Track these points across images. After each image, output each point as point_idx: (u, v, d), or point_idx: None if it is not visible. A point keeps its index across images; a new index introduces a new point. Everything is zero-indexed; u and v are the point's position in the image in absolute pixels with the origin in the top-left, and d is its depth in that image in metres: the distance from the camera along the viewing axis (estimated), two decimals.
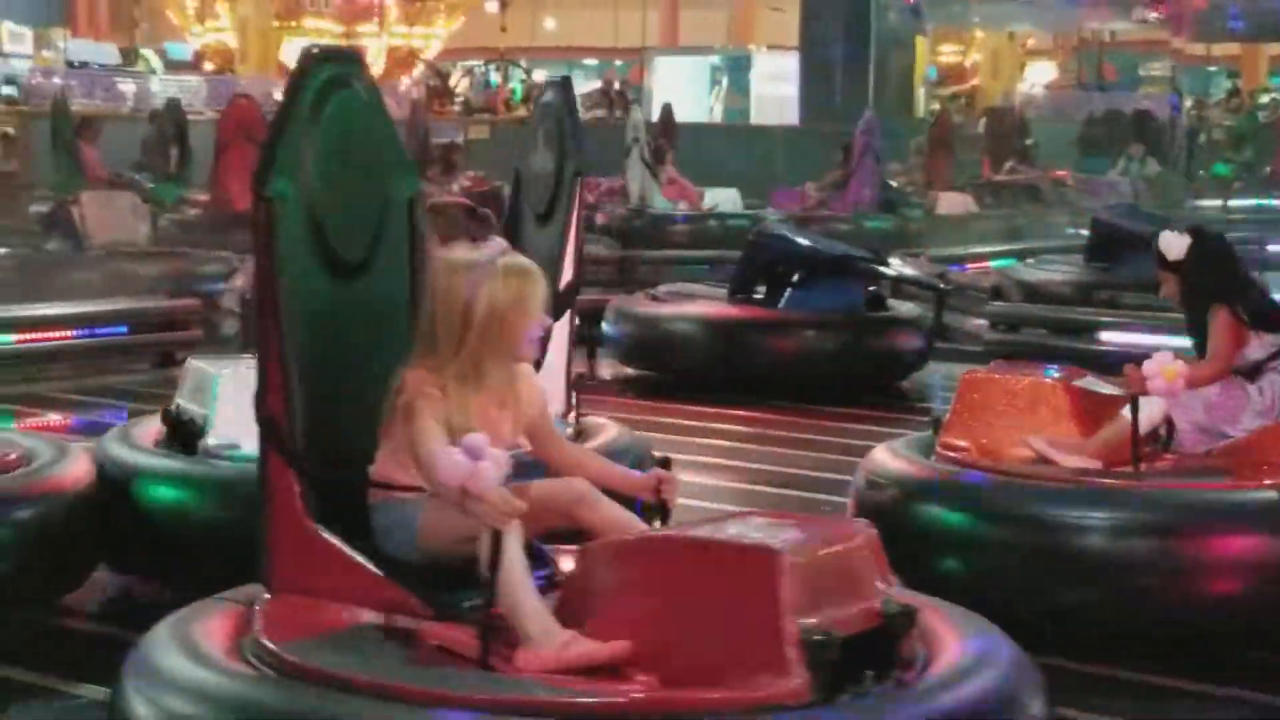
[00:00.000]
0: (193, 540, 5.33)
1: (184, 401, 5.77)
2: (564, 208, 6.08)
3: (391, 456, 3.72)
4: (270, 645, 3.45)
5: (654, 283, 11.79)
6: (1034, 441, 5.63)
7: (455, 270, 3.74)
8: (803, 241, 10.51)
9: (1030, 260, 14.14)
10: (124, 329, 10.81)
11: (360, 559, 3.66)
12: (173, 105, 19.45)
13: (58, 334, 10.55)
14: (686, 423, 9.05)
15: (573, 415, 6.00)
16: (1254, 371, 5.67)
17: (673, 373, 10.26)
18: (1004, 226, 18.12)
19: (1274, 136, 24.91)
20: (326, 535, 3.70)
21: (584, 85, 33.36)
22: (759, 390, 9.68)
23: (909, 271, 11.85)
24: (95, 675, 4.78)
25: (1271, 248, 15.53)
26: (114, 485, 5.46)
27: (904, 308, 10.44)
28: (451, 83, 30.79)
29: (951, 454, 5.55)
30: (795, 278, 10.07)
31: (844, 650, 3.24)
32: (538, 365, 5.61)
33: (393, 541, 3.69)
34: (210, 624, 3.63)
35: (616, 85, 29.63)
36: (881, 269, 10.46)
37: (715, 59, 32.50)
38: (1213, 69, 36.82)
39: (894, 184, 18.80)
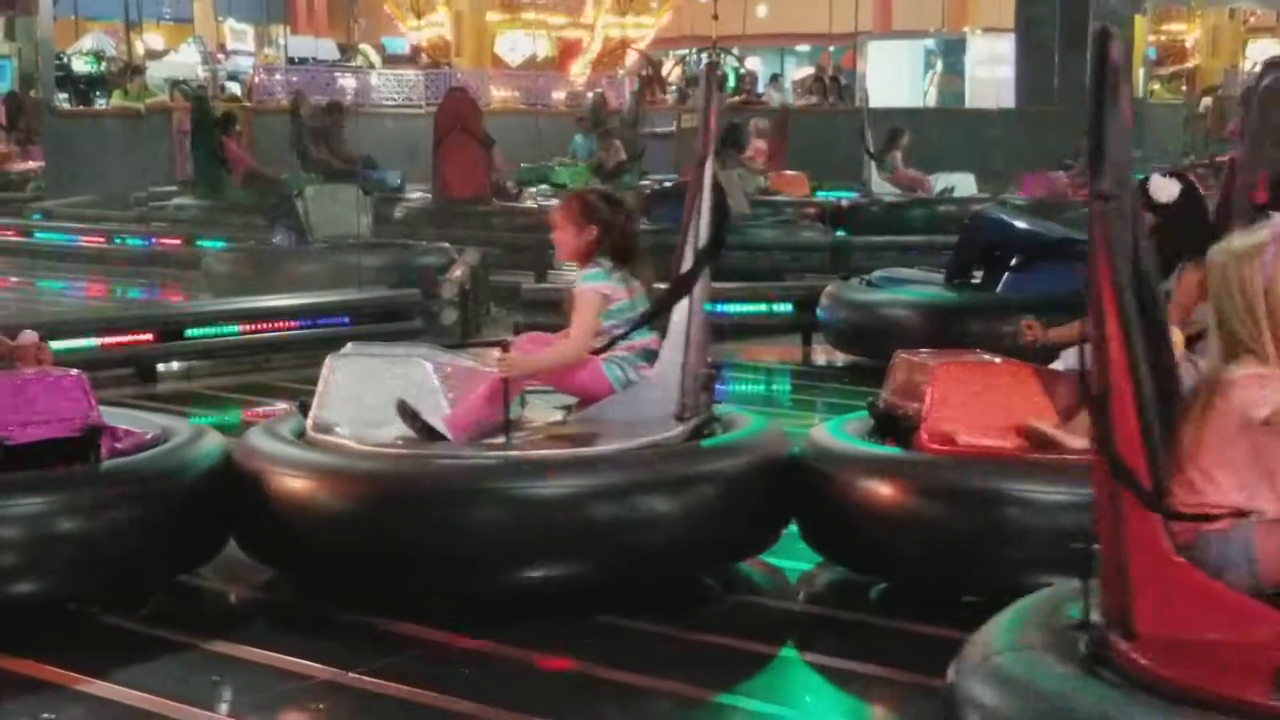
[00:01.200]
0: (296, 523, 5.45)
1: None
2: (695, 194, 5.95)
3: (1224, 477, 3.43)
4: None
5: (868, 269, 11.72)
6: (1037, 425, 5.41)
7: (1242, 258, 3.48)
8: (1021, 225, 10.37)
9: None
10: (346, 320, 11.04)
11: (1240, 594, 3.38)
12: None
13: (282, 325, 10.81)
14: None
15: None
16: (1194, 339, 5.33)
17: (888, 359, 10.17)
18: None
19: None
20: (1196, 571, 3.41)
21: (797, 72, 33.28)
22: None
23: None
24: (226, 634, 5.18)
25: None
26: (245, 471, 5.60)
27: None
28: (664, 72, 30.88)
29: (937, 447, 5.41)
30: (1013, 261, 9.94)
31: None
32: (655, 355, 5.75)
33: (1231, 572, 3.40)
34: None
35: (830, 71, 29.46)
36: None
37: (930, 43, 32.16)
38: None
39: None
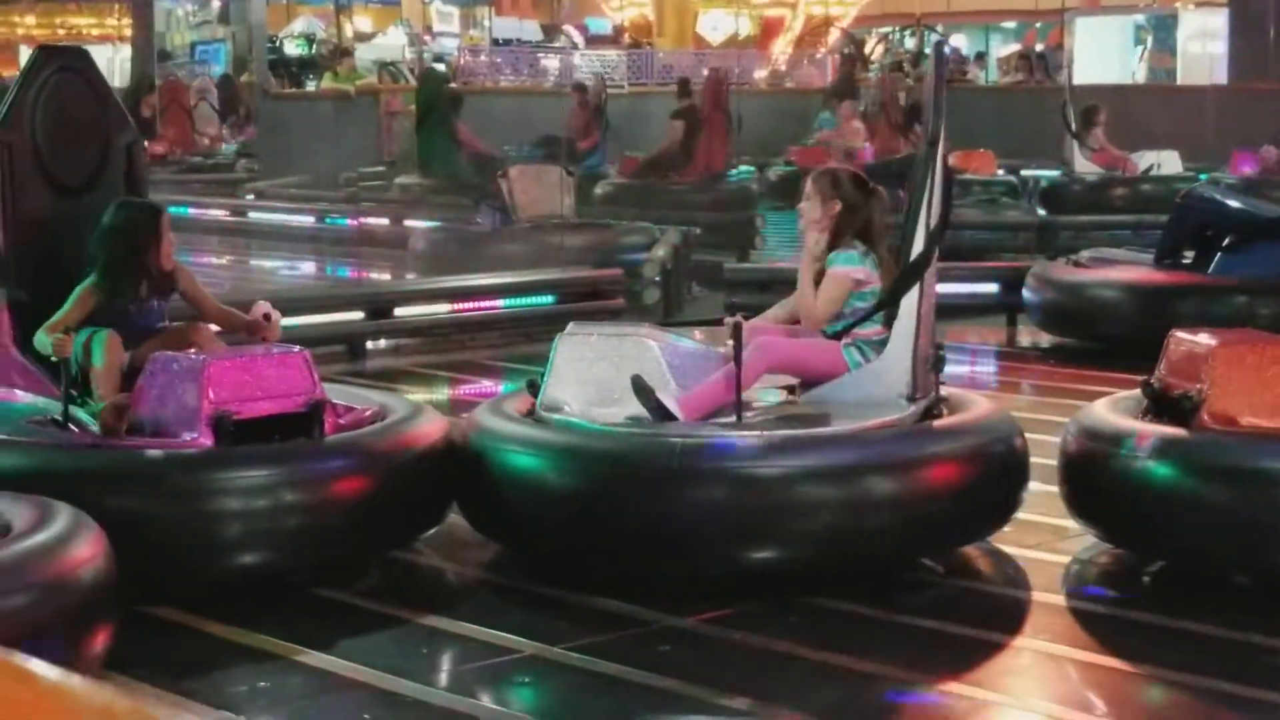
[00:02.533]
0: (525, 499, 5.53)
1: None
2: (920, 179, 5.90)
3: None
4: None
5: (1074, 249, 11.55)
6: None
7: None
8: (1234, 204, 10.14)
9: None
10: (551, 298, 11.16)
11: None
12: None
13: (489, 303, 10.98)
14: (1109, 390, 8.82)
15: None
16: None
17: (1095, 340, 10.05)
18: None
19: None
20: None
21: (1002, 49, 32.82)
22: None
23: None
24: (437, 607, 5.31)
25: None
26: (470, 448, 5.70)
27: None
28: (866, 50, 30.67)
29: (1220, 427, 5.35)
30: (1226, 241, 9.73)
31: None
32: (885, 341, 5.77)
33: None
34: None
35: (1038, 48, 29.01)
36: None
37: (1139, 18, 31.53)
38: None
39: None
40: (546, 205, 13.11)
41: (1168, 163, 16.93)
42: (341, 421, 5.60)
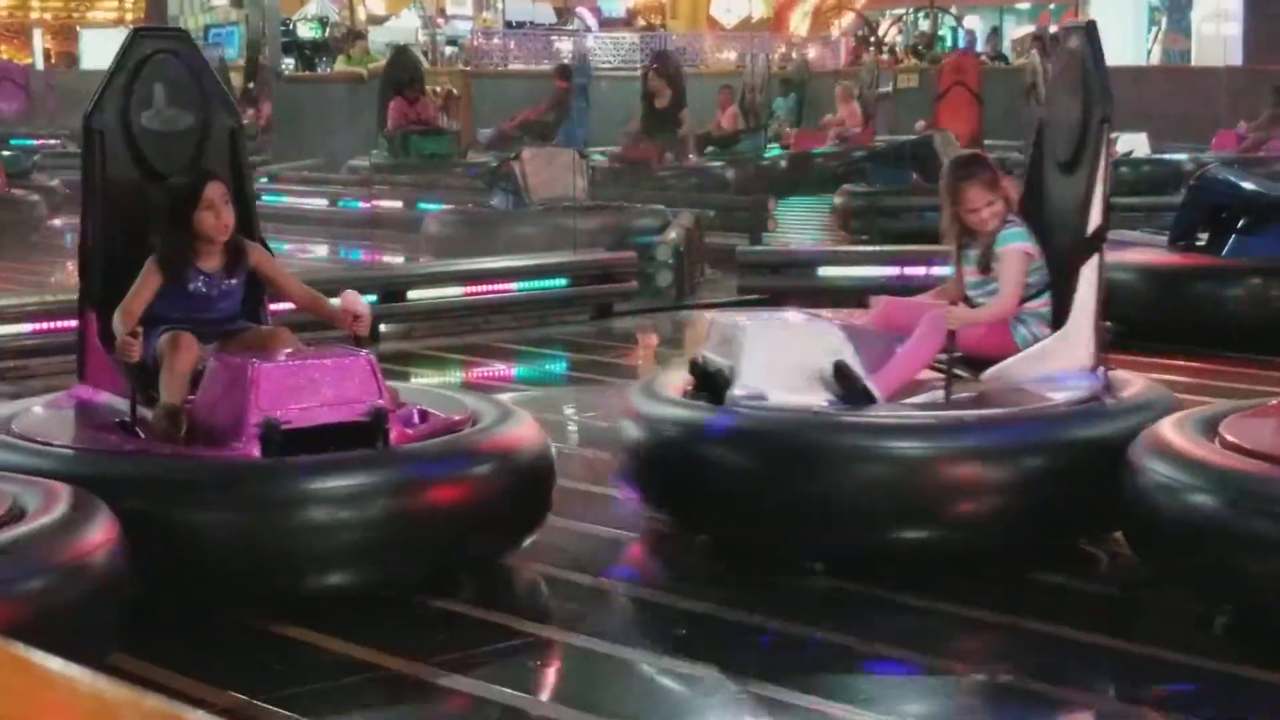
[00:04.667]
0: (725, 487, 5.51)
1: (709, 354, 5.81)
2: (1090, 155, 5.99)
3: None
4: None
5: None
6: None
7: None
8: (1249, 185, 10.11)
9: None
10: (564, 281, 11.16)
11: None
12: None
13: (501, 286, 10.97)
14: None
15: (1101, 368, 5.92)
16: None
17: (1111, 322, 9.99)
18: None
19: None
20: None
21: (1016, 30, 32.72)
22: (1203, 340, 9.38)
23: None
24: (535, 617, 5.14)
25: None
26: (654, 437, 5.66)
27: None
28: (880, 31, 30.61)
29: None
30: (1241, 223, 9.70)
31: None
32: (1064, 316, 5.84)
33: None
34: None
35: (1052, 29, 28.92)
36: None
37: None
38: None
39: None
40: (559, 188, 13.10)
41: (1138, 146, 16.85)
42: (411, 431, 5.26)
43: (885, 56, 28.24)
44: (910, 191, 14.99)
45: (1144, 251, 10.12)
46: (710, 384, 5.70)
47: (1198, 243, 9.94)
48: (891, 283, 11.21)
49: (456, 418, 5.45)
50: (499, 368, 9.70)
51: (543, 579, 5.47)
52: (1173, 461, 4.80)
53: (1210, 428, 5.04)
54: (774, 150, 19.44)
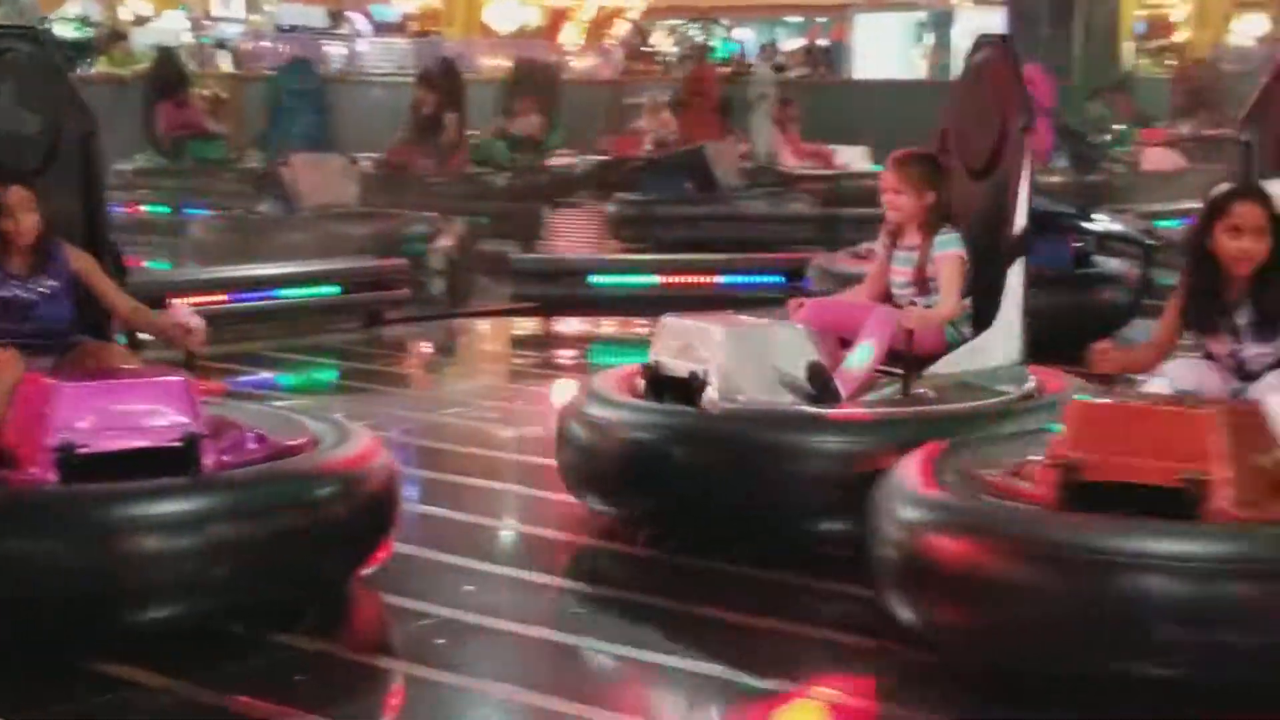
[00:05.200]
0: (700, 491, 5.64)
1: (666, 358, 5.92)
2: (1010, 162, 6.25)
3: None
4: None
5: (855, 241, 11.70)
6: None
7: None
8: None
9: None
10: (334, 289, 11.01)
11: None
12: None
13: (269, 293, 10.78)
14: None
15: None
16: None
17: None
18: (1213, 181, 17.62)
19: None
20: None
21: (786, 43, 33.17)
22: None
23: (1116, 227, 11.61)
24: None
25: None
26: (624, 440, 5.75)
27: (1111, 264, 10.25)
28: (653, 41, 30.81)
29: None
30: None
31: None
32: (988, 317, 6.08)
33: None
34: None
35: (821, 43, 29.41)
36: (1087, 225, 10.27)
37: (920, 15, 32.11)
38: None
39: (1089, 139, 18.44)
40: (329, 194, 12.94)
41: (855, 159, 17.17)
42: (228, 459, 4.97)
43: (658, 67, 28.44)
44: (683, 201, 15.11)
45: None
46: (668, 387, 5.84)
47: None
48: (662, 292, 11.31)
49: (296, 441, 5.20)
50: (265, 376, 9.53)
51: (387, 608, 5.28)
52: None
53: None
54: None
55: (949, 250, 6.15)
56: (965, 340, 6.16)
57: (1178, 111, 21.27)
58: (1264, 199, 4.90)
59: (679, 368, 5.82)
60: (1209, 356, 5.01)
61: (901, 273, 6.27)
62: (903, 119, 18.83)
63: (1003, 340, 6.16)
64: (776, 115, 17.46)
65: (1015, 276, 6.19)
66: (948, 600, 4.35)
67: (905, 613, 4.50)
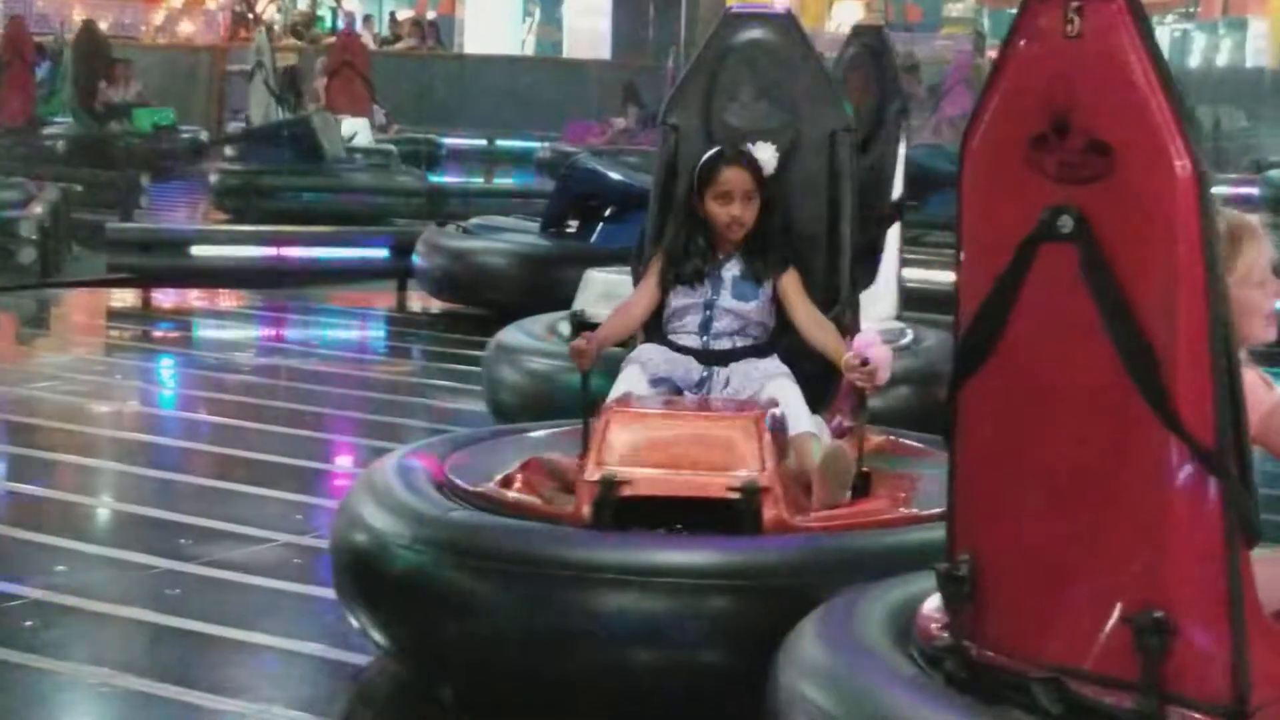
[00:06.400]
0: None
1: (589, 308, 6.42)
2: (885, 139, 6.71)
3: None
4: None
5: (464, 215, 11.72)
6: None
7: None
8: (615, 176, 10.48)
9: None
10: None
11: None
12: None
13: None
14: None
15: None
16: None
17: (483, 306, 10.21)
18: None
19: None
20: None
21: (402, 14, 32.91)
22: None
23: None
24: None
25: None
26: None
27: None
28: (259, 9, 30.19)
29: None
30: (608, 212, 10.06)
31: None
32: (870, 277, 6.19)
33: None
34: None
35: (430, 16, 29.28)
36: None
37: None
38: (1013, 10, 37.17)
39: None
40: None
41: (361, 132, 17.17)
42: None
43: (263, 34, 27.89)
44: (288, 171, 14.87)
45: (516, 237, 10.36)
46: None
47: (568, 229, 10.24)
48: (269, 263, 11.12)
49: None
50: None
51: None
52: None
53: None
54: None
55: None
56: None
57: None
58: (751, 163, 4.75)
59: (601, 315, 5.73)
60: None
61: None
62: (510, 94, 19.09)
63: (878, 298, 6.65)
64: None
65: (892, 240, 6.77)
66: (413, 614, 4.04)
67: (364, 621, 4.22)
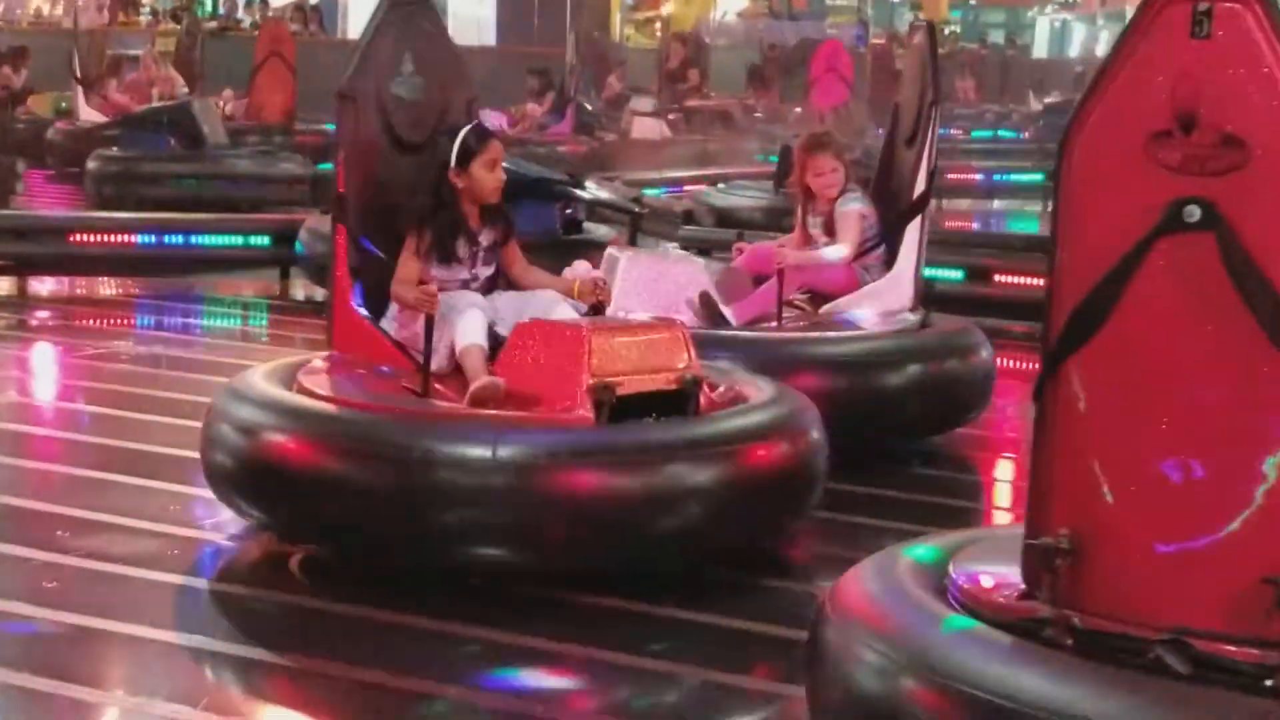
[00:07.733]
0: None
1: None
2: (924, 131, 7.02)
3: None
4: None
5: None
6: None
7: None
8: (505, 164, 10.42)
9: (721, 185, 14.35)
10: None
11: None
12: None
13: None
14: None
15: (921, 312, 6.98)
16: None
17: None
18: (697, 152, 18.33)
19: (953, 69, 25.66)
20: None
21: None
22: None
23: (604, 195, 11.89)
24: None
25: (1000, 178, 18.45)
26: None
27: (599, 230, 10.48)
28: None
29: None
30: None
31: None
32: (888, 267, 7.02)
33: None
34: None
35: (312, 1, 29.01)
36: (577, 191, 10.47)
37: None
38: (896, 0, 37.62)
39: (589, 107, 18.92)
40: None
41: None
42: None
43: (145, 19, 27.54)
44: (168, 158, 14.69)
45: None
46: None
47: None
48: (150, 250, 10.97)
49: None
50: None
51: None
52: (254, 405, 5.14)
53: (290, 376, 5.41)
54: None
55: (848, 207, 7.15)
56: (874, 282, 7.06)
57: (666, 82, 21.98)
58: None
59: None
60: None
61: (816, 235, 7.29)
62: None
63: (895, 287, 6.97)
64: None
65: (913, 233, 6.99)
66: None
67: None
